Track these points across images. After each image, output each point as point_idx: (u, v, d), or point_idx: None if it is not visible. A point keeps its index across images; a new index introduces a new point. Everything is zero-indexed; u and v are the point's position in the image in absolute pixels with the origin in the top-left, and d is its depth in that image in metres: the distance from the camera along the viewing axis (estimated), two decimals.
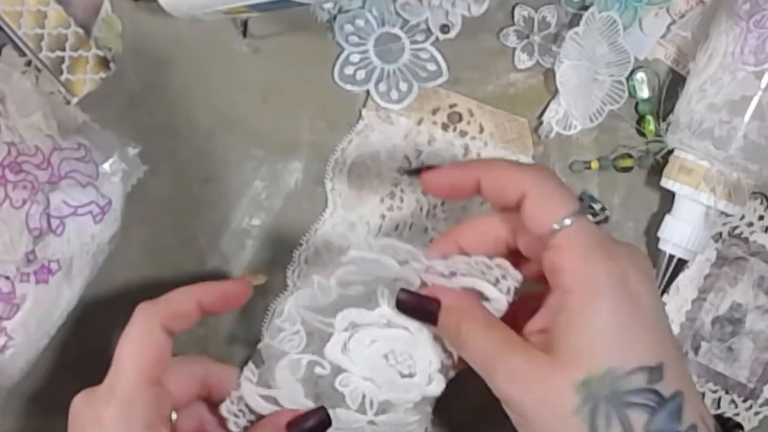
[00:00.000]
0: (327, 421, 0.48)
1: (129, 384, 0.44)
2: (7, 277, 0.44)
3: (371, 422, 0.49)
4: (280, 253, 0.54)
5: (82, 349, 0.53)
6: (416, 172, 0.48)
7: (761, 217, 0.57)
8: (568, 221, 0.43)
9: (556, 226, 0.43)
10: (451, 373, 0.49)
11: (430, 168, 0.48)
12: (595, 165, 0.56)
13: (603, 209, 0.44)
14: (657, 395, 0.42)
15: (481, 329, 0.45)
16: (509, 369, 0.43)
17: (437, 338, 0.48)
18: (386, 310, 0.48)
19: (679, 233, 0.54)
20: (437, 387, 0.49)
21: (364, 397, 0.49)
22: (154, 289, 0.53)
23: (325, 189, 0.54)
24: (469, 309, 0.45)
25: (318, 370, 0.49)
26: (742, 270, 0.57)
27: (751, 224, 0.57)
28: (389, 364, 0.49)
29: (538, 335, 0.44)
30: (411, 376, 0.49)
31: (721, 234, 0.57)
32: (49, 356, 0.48)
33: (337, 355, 0.49)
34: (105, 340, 0.53)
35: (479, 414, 0.56)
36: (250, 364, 0.50)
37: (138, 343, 0.45)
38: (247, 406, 0.50)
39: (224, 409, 0.50)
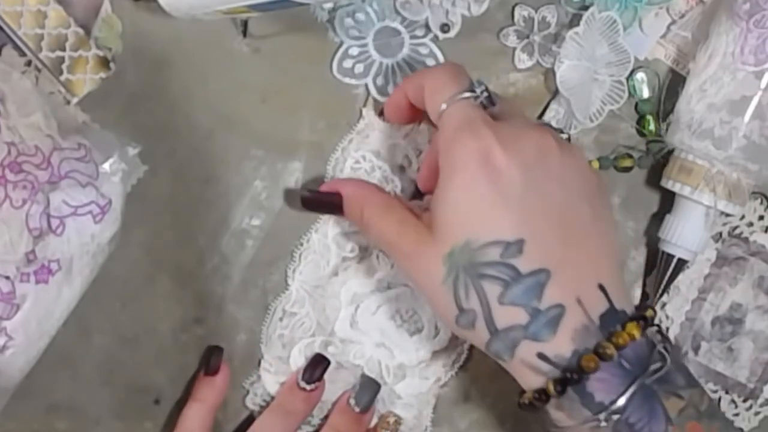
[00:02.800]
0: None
1: None
2: (7, 277, 0.44)
3: (392, 392, 0.54)
4: (280, 252, 0.54)
5: (82, 349, 0.53)
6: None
7: (761, 217, 0.57)
8: (443, 105, 0.46)
9: (441, 109, 0.46)
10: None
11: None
12: (595, 165, 0.56)
13: (483, 91, 0.47)
14: (512, 269, 0.43)
15: (378, 213, 0.48)
16: (402, 250, 0.47)
17: None
18: (385, 273, 0.53)
19: (679, 233, 0.54)
20: (444, 336, 0.54)
21: (380, 364, 0.54)
22: (154, 289, 0.53)
23: None
24: (369, 195, 0.50)
25: (331, 349, 0.54)
26: (742, 270, 0.57)
27: (751, 224, 0.57)
28: (397, 324, 0.54)
29: (427, 213, 0.47)
30: (419, 331, 0.54)
31: (721, 234, 0.57)
32: (49, 356, 0.48)
33: (347, 330, 0.54)
34: (105, 340, 0.53)
35: (479, 414, 0.56)
36: (266, 357, 0.54)
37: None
38: (270, 395, 0.54)
39: (249, 401, 0.54)
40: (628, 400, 0.43)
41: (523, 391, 0.45)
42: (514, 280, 0.43)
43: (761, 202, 0.57)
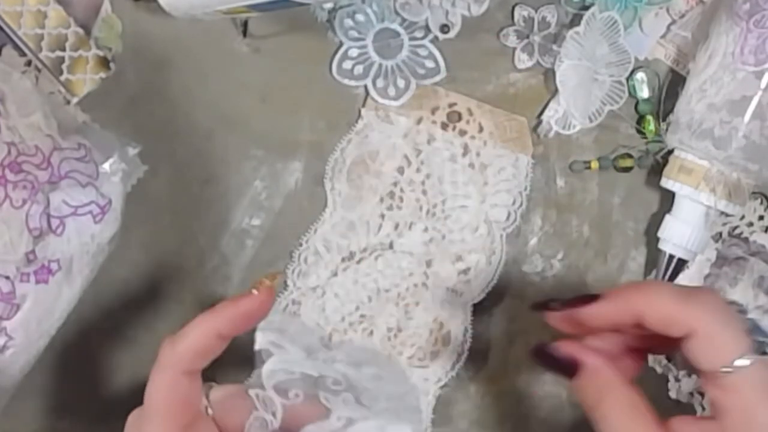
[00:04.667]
0: None
1: None
2: (7, 277, 0.44)
3: None
4: (280, 253, 0.54)
5: (82, 349, 0.53)
6: (543, 306, 0.46)
7: (761, 217, 0.57)
8: (738, 362, 0.41)
9: (725, 369, 0.41)
10: None
11: (565, 304, 0.45)
12: (595, 165, 0.56)
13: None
14: None
15: (624, 414, 0.43)
16: None
17: (401, 412, 0.45)
18: (341, 412, 0.44)
19: (679, 233, 0.54)
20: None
21: None
22: (154, 289, 0.53)
23: (325, 189, 0.54)
24: (613, 384, 0.44)
25: None
26: (742, 270, 0.57)
27: (751, 224, 0.57)
28: None
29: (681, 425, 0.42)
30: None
31: (721, 234, 0.57)
32: (49, 356, 0.48)
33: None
34: (105, 340, 0.53)
35: (479, 414, 0.56)
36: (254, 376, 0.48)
37: (163, 391, 0.43)
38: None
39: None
40: None
41: None
42: None
43: (761, 202, 0.57)
